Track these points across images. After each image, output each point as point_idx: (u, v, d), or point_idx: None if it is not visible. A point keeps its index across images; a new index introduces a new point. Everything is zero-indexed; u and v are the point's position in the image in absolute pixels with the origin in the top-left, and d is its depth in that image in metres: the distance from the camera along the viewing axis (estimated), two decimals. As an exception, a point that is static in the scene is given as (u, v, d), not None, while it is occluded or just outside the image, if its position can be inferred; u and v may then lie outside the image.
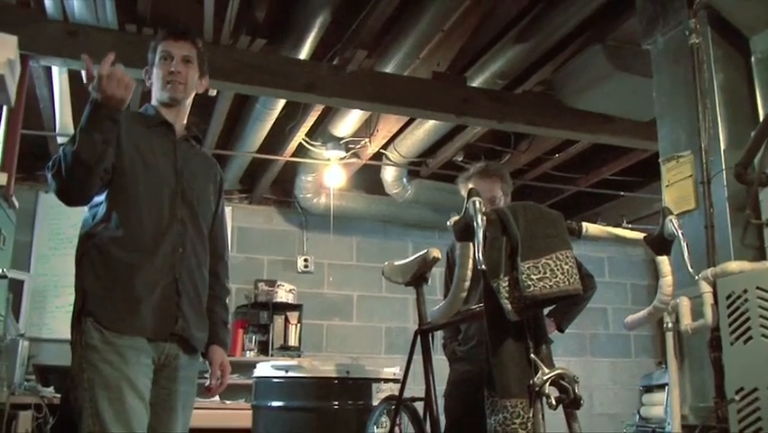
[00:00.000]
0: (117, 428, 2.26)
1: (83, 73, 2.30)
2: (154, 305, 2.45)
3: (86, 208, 2.56)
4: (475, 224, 2.00)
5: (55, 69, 5.04)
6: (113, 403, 2.27)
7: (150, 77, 2.72)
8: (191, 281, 2.57)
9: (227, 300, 2.87)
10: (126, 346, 2.36)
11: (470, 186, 3.54)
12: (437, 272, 3.39)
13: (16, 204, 3.86)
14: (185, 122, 2.77)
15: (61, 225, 7.12)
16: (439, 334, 3.72)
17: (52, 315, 6.97)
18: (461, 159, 7.00)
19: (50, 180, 2.37)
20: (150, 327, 2.43)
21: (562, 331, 3.73)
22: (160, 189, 2.56)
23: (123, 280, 2.42)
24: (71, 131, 5.72)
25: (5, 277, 3.36)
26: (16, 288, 5.91)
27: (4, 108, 4.10)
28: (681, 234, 2.15)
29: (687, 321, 3.17)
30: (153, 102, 2.72)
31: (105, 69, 2.27)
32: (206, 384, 2.71)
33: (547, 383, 1.98)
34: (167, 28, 2.76)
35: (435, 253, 2.99)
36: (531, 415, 1.99)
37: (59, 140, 6.15)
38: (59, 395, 5.29)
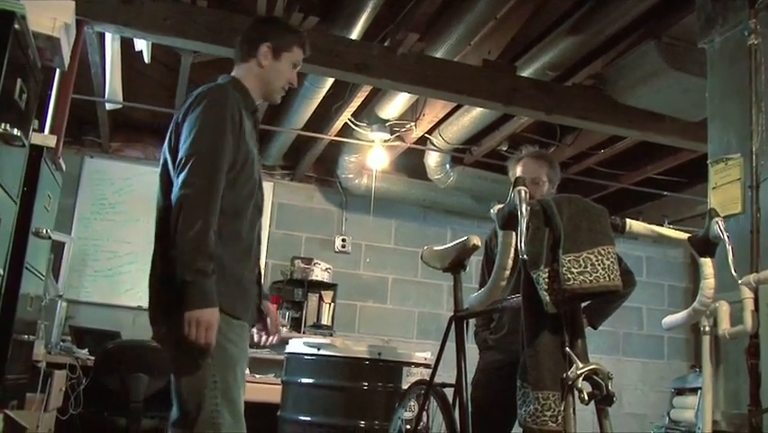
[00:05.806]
0: (240, 403, 2.39)
1: None
2: (253, 295, 2.58)
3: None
4: (519, 213, 1.99)
5: (108, 36, 5.07)
6: (238, 379, 2.40)
7: (270, 60, 2.72)
8: None
9: None
10: (242, 328, 2.46)
11: (519, 168, 3.60)
12: (474, 260, 3.38)
13: (63, 167, 3.90)
14: None
15: (105, 191, 7.21)
16: (472, 321, 3.72)
17: (91, 278, 7.05)
18: (505, 148, 6.96)
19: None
20: (251, 314, 2.57)
21: (594, 327, 3.70)
22: (256, 181, 2.58)
23: (236, 274, 2.45)
24: (120, 98, 5.83)
25: (49, 238, 3.39)
26: (57, 249, 5.99)
27: (57, 72, 4.14)
28: (726, 238, 2.12)
29: (725, 326, 3.13)
30: (254, 84, 2.71)
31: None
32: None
33: (581, 378, 1.97)
34: (306, 37, 2.88)
35: (476, 240, 2.98)
36: (562, 408, 1.98)
37: (108, 106, 6.22)
38: (92, 357, 5.37)
